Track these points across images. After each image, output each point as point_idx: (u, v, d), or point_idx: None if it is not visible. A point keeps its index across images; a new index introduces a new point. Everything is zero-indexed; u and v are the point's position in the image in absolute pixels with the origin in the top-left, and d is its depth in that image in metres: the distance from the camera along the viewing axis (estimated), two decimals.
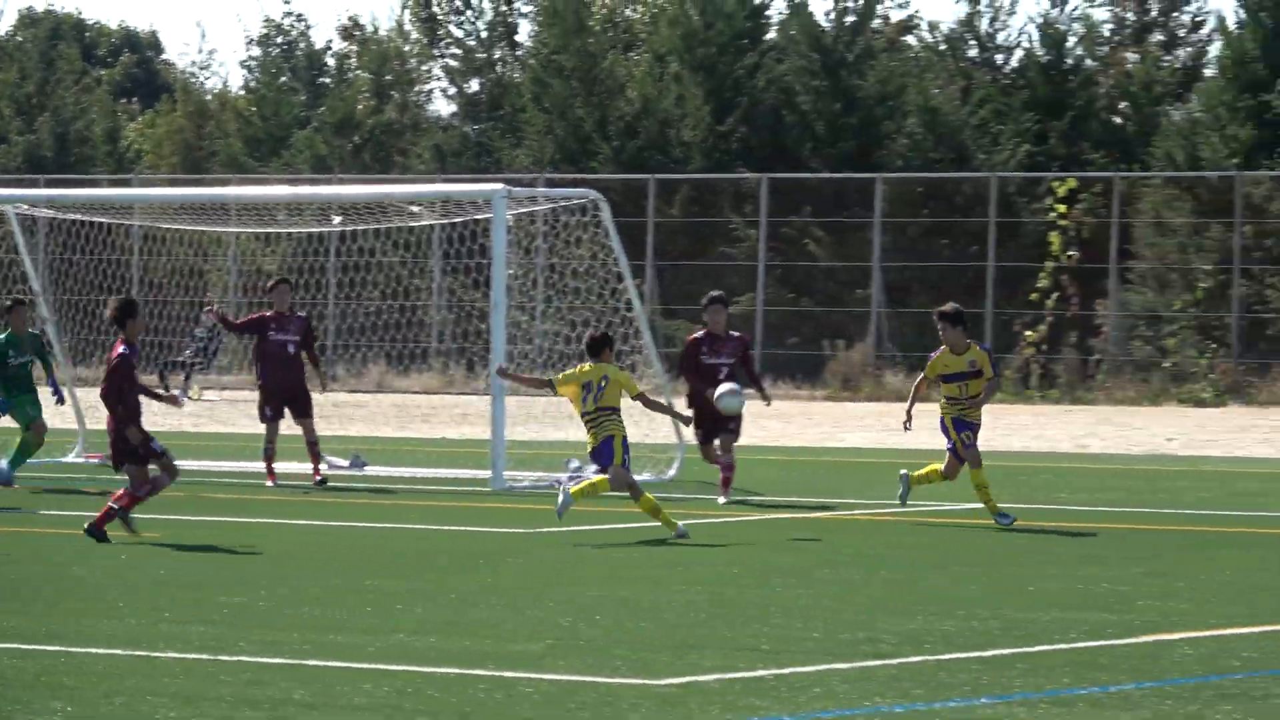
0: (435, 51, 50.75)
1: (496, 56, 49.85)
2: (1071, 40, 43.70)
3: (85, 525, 15.55)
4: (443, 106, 51.40)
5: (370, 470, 22.55)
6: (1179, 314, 39.22)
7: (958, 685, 9.57)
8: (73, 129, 51.83)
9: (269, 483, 20.78)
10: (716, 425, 18.86)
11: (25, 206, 25.04)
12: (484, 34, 50.09)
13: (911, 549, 15.55)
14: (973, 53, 44.50)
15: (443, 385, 40.36)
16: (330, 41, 56.70)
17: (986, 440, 17.34)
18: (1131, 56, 43.86)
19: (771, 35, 45.67)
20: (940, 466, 17.00)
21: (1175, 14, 44.56)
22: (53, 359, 21.43)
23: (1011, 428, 31.22)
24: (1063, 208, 40.22)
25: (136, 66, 70.02)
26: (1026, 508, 17.27)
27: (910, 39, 46.26)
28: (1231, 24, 41.58)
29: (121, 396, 15.57)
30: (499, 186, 21.59)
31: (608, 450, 15.89)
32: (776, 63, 44.76)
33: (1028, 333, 39.63)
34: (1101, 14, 44.35)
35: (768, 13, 45.77)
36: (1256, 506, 19.31)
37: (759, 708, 9.01)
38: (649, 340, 22.62)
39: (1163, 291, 39.57)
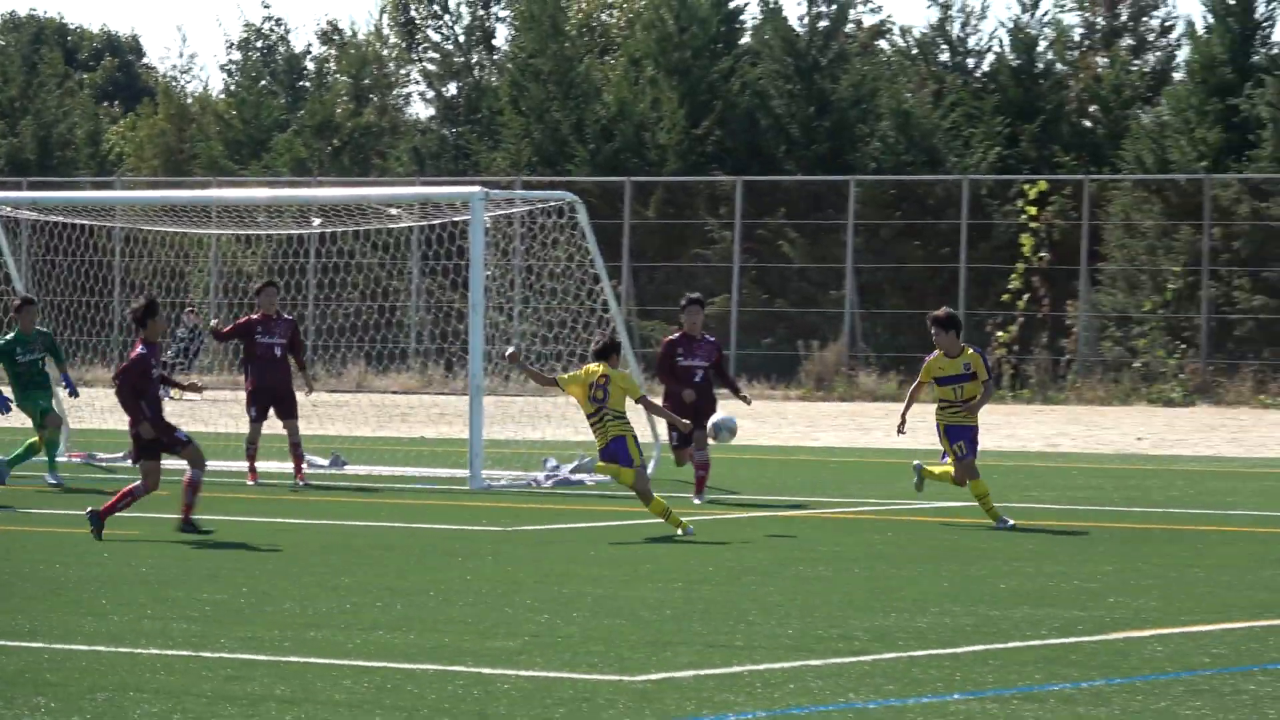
0: (413, 55, 50.83)
1: (474, 60, 49.94)
2: (1042, 44, 43.89)
3: (178, 524, 15.78)
4: (421, 110, 51.54)
5: (350, 469, 22.66)
6: (1148, 315, 39.44)
7: (930, 681, 9.64)
8: (55, 132, 51.85)
9: (250, 481, 20.89)
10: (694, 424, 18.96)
11: (8, 209, 25.10)
12: (461, 38, 50.18)
13: (884, 547, 15.63)
14: (944, 57, 44.68)
15: (421, 385, 40.44)
16: (310, 45, 56.93)
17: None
18: (1101, 61, 44.06)
19: (746, 40, 45.79)
20: (951, 470, 16.95)
21: (1144, 19, 44.79)
22: (64, 355, 21.58)
23: (983, 427, 31.06)
24: (1033, 210, 40.42)
25: (118, 70, 70.01)
26: (999, 506, 17.37)
27: (883, 43, 46.45)
28: (1200, 29, 41.82)
29: (138, 394, 15.67)
30: (477, 189, 21.70)
31: (623, 451, 16.02)
32: (751, 67, 44.91)
33: (999, 333, 39.82)
34: (1071, 18, 44.61)
35: (742, 17, 45.91)
36: (1225, 505, 19.42)
37: (734, 703, 9.08)
38: (625, 341, 22.73)
39: (1132, 293, 39.79)
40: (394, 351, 40.71)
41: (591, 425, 16.19)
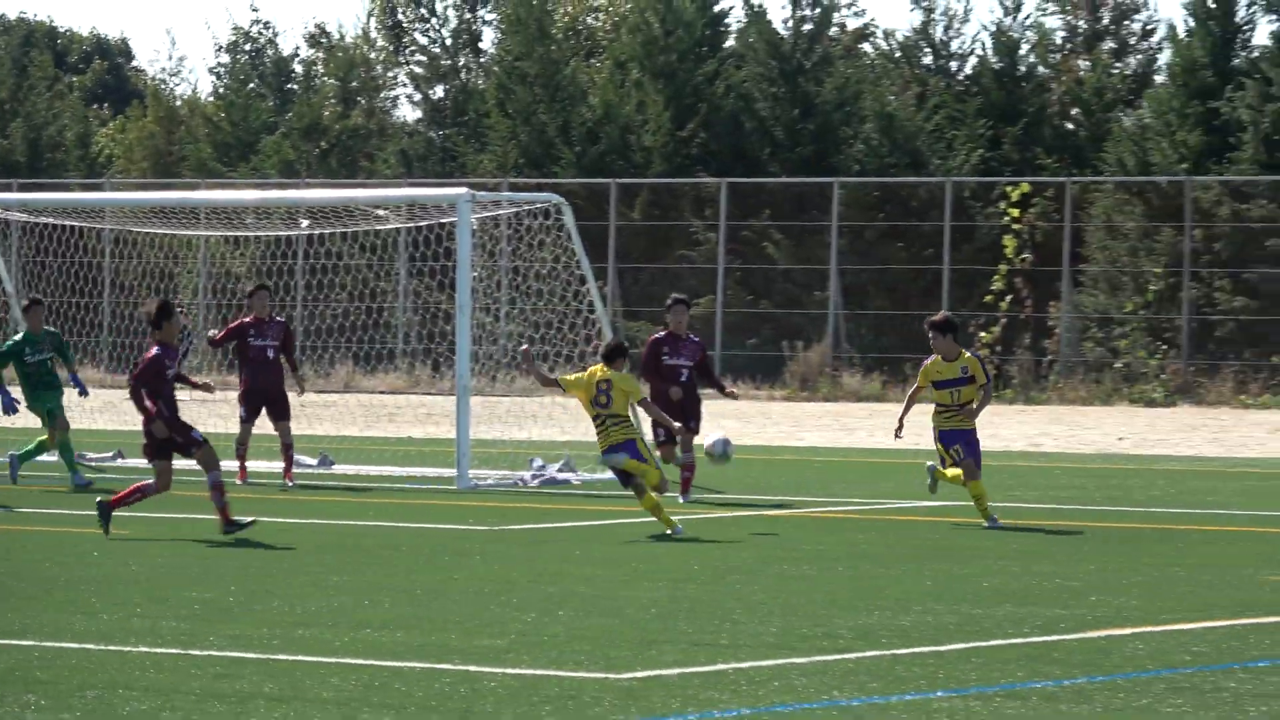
0: (401, 58, 50.87)
1: (461, 63, 50.00)
2: (1024, 48, 43.99)
3: (221, 528, 15.70)
4: (408, 112, 51.56)
5: (337, 468, 22.73)
6: (1130, 316, 39.58)
7: (913, 679, 9.68)
8: (45, 134, 51.90)
9: (239, 480, 20.96)
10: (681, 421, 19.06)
11: None
12: (448, 41, 50.23)
13: (868, 546, 15.70)
14: (927, 60, 44.79)
15: (408, 385, 40.51)
16: (298, 49, 56.82)
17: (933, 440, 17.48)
18: (1083, 64, 44.18)
19: (730, 43, 45.87)
20: (961, 472, 16.85)
21: (1126, 22, 44.92)
22: (72, 355, 21.65)
23: None
24: (1016, 212, 40.55)
25: (108, 73, 70.02)
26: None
27: (866, 47, 46.52)
28: (1181, 32, 41.94)
29: (151, 395, 15.75)
30: (464, 191, 21.77)
31: (635, 454, 16.11)
32: (735, 69, 45.00)
33: (982, 334, 39.94)
34: (1054, 22, 44.72)
35: (727, 21, 45.97)
36: (1205, 504, 19.49)
37: (718, 701, 9.12)
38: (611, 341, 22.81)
39: (1114, 294, 39.93)
40: (381, 352, 40.76)
41: (596, 426, 16.28)
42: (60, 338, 21.07)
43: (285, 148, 48.11)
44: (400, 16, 50.61)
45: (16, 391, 20.70)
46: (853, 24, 46.84)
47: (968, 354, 16.98)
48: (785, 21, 45.23)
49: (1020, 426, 32.29)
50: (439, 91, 50.08)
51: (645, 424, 20.23)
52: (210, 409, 29.00)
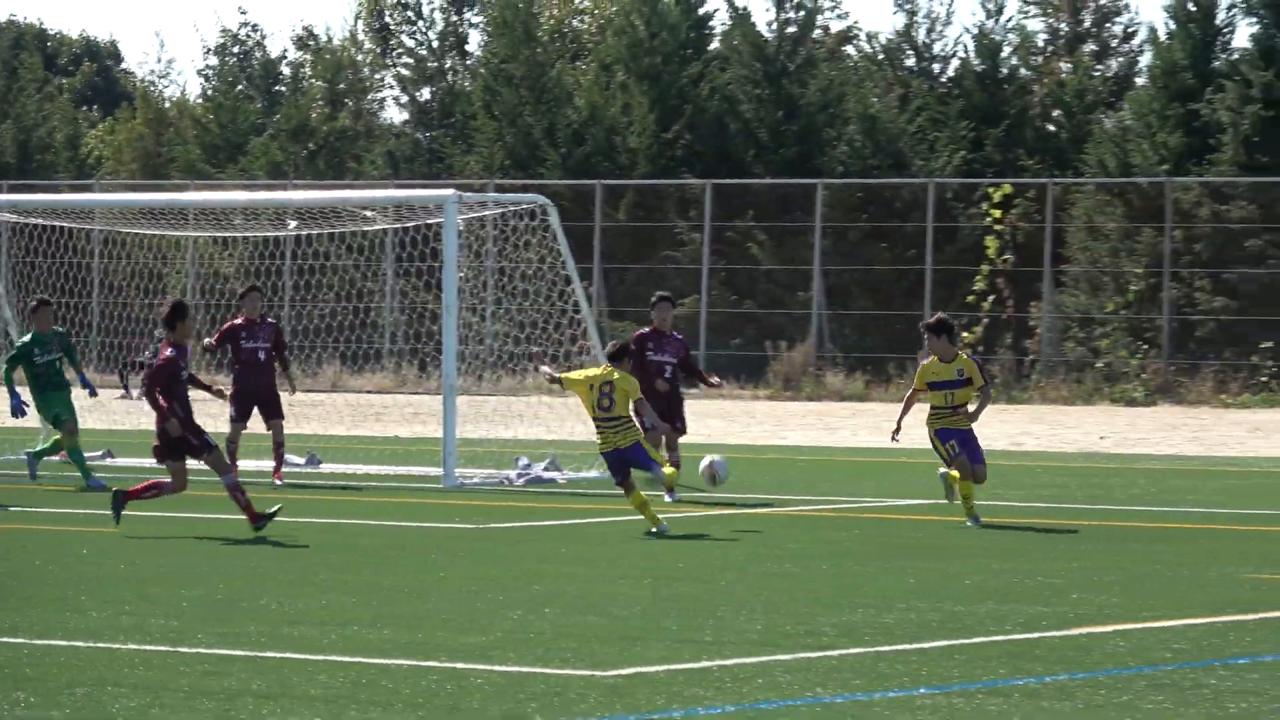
0: (388, 60, 50.93)
1: (447, 65, 50.06)
2: (1006, 50, 44.13)
3: (254, 525, 15.68)
4: (395, 114, 51.60)
5: (325, 467, 22.81)
6: (1111, 316, 39.73)
7: (896, 676, 9.72)
8: (34, 136, 51.92)
9: None
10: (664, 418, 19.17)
11: None
12: (435, 43, 50.28)
13: (850, 544, 15.76)
14: (910, 62, 44.91)
15: (396, 385, 40.58)
16: (285, 51, 56.91)
17: (925, 440, 17.59)
18: (1065, 66, 44.33)
19: (715, 45, 45.97)
20: (958, 474, 16.87)
21: (1107, 24, 45.09)
22: (78, 356, 21.72)
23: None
24: (998, 213, 40.69)
25: (97, 75, 70.03)
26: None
27: (849, 49, 46.63)
28: (1162, 35, 42.10)
29: (166, 395, 15.79)
30: (450, 192, 21.85)
31: (643, 455, 16.21)
32: (720, 72, 45.10)
33: (964, 334, 40.08)
34: (1035, 24, 44.88)
35: (711, 23, 46.07)
36: (1185, 503, 19.56)
37: (703, 698, 9.15)
38: (596, 342, 22.94)
39: (1095, 294, 40.07)
40: (369, 352, 40.82)
41: (597, 426, 16.36)
42: (68, 338, 21.10)
43: (273, 149, 48.14)
44: (387, 19, 50.66)
45: (25, 392, 20.74)
46: (836, 26, 47.00)
47: (964, 356, 16.94)
48: (769, 24, 45.38)
49: (1002, 426, 32.41)
50: (425, 93, 50.14)
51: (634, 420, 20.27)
52: (199, 408, 28.99)
